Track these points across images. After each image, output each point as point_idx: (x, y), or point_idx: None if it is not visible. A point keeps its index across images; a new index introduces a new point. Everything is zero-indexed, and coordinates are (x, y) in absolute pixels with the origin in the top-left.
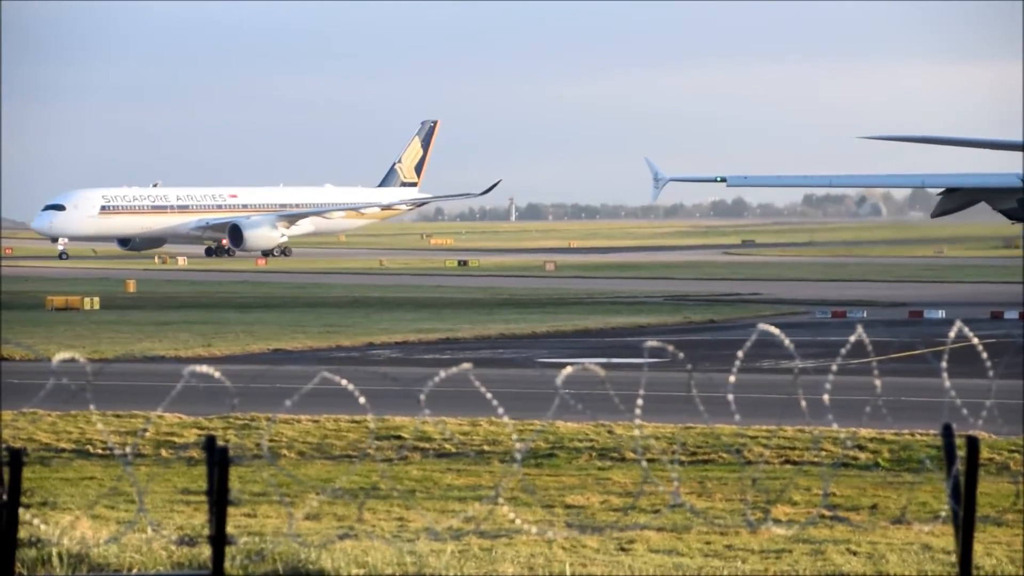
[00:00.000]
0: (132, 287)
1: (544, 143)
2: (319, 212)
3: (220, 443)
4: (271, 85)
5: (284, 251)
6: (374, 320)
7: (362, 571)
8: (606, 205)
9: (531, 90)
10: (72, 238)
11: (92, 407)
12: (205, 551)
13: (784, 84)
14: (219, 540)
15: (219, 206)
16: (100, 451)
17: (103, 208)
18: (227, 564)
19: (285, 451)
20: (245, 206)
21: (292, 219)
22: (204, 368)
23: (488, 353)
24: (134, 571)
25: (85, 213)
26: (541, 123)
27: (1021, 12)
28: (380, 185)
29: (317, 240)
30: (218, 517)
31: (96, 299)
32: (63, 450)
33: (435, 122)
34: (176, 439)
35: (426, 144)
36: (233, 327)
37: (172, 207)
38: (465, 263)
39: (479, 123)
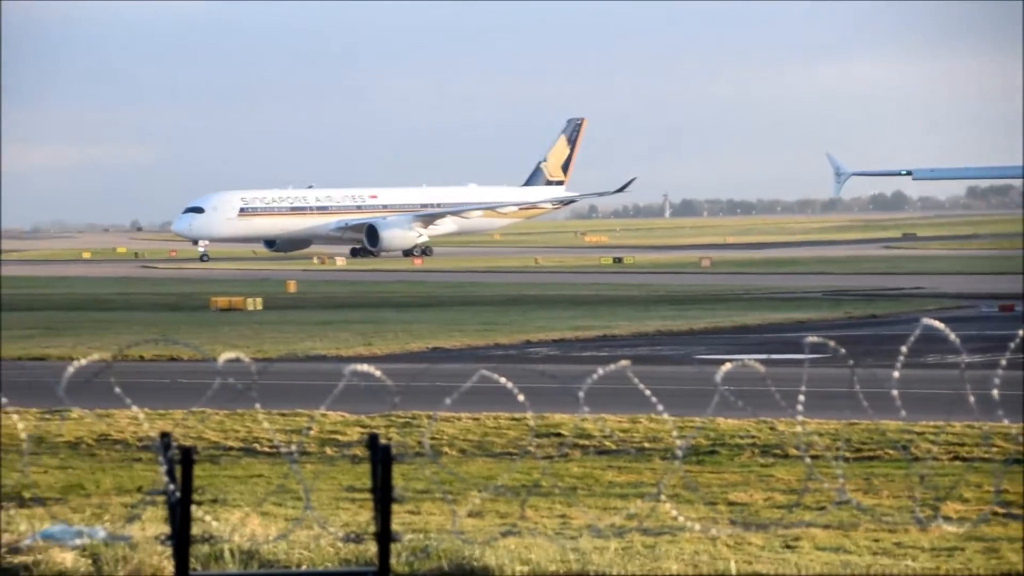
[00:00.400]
0: (292, 287)
1: (698, 139)
2: (456, 211)
3: (383, 441)
4: (420, 88)
5: (424, 251)
6: (531, 318)
7: (526, 568)
8: (762, 200)
9: (683, 87)
10: (211, 240)
11: (258, 406)
12: (371, 548)
13: (943, 77)
14: (385, 537)
15: (359, 207)
16: (267, 449)
17: (241, 210)
18: (393, 561)
19: (447, 449)
20: (385, 206)
21: (429, 219)
22: (365, 367)
23: (646, 350)
24: (303, 567)
25: (224, 216)
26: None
27: (1021, 12)
28: (525, 184)
29: (471, 239)
30: (383, 514)
31: (259, 300)
32: (231, 448)
33: (581, 120)
34: (340, 437)
35: (572, 142)
36: (392, 326)
37: (311, 208)
38: (620, 260)
39: (628, 120)
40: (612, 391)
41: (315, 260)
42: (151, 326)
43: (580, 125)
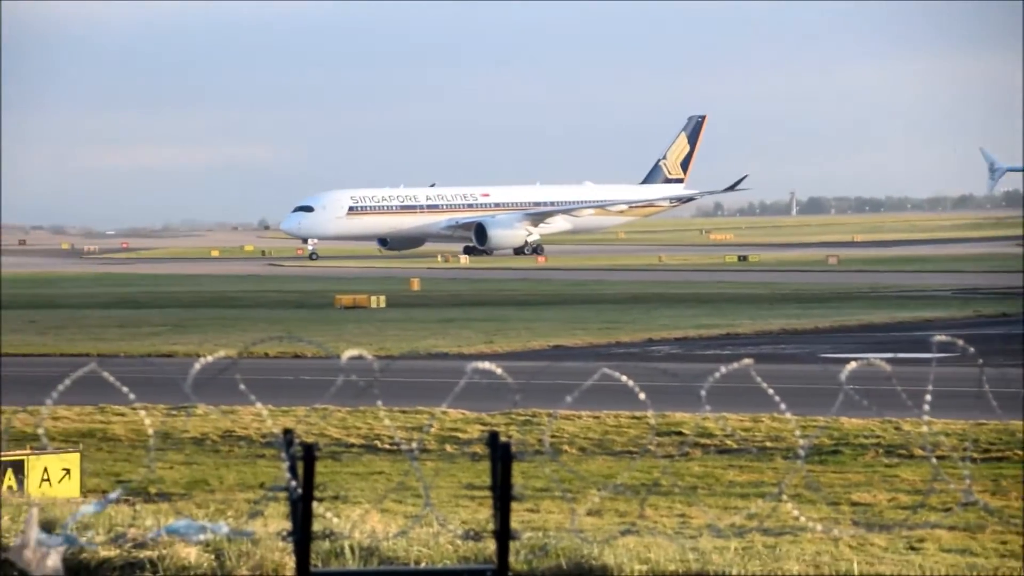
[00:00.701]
0: (416, 285)
1: (826, 136)
2: (566, 210)
3: (503, 439)
4: (540, 86)
5: (536, 249)
6: (654, 316)
7: (644, 567)
8: (891, 198)
9: (810, 82)
10: (320, 238)
11: (379, 403)
12: (490, 546)
13: None
14: (504, 535)
15: (470, 205)
16: (388, 446)
17: (351, 209)
18: (512, 559)
19: (566, 447)
20: (497, 204)
21: (538, 217)
22: (486, 364)
23: (769, 348)
24: (422, 564)
25: (333, 214)
26: (822, 115)
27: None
28: (643, 182)
29: (594, 237)
30: (502, 512)
31: (382, 298)
32: (353, 445)
33: (702, 117)
34: (460, 435)
35: (693, 139)
36: (514, 324)
37: (422, 207)
38: (745, 258)
39: (751, 117)
40: (734, 390)
41: (439, 258)
42: (276, 324)
43: (701, 122)
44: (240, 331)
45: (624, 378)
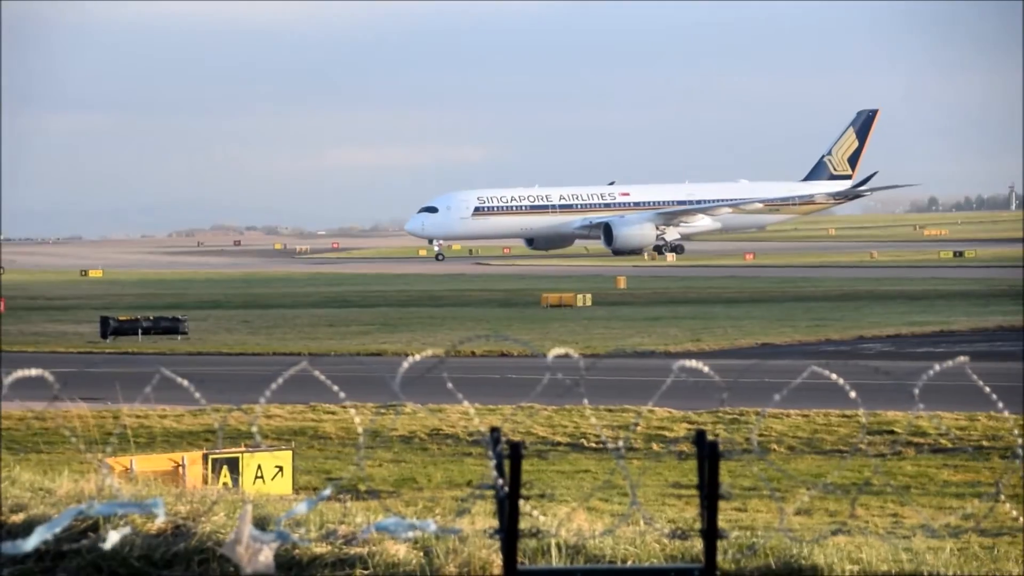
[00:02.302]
0: (622, 283)
1: None
2: (703, 208)
3: (710, 437)
4: (715, 83)
5: (675, 248)
6: (864, 313)
7: (855, 568)
8: None
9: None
10: (445, 239)
11: (585, 402)
12: (697, 544)
13: None
14: (711, 534)
15: (606, 204)
16: (594, 445)
17: (476, 210)
18: (719, 558)
19: (774, 446)
20: (636, 204)
21: (670, 216)
22: (693, 363)
23: (985, 346)
24: (628, 563)
25: (457, 215)
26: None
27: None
28: (806, 179)
29: (802, 234)
30: (709, 511)
31: (588, 296)
32: (559, 443)
33: (874, 111)
34: (666, 433)
35: (862, 135)
36: (721, 322)
37: (554, 207)
38: (961, 254)
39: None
40: (949, 388)
41: (645, 256)
42: (483, 322)
43: (873, 117)
44: (447, 329)
45: (834, 376)
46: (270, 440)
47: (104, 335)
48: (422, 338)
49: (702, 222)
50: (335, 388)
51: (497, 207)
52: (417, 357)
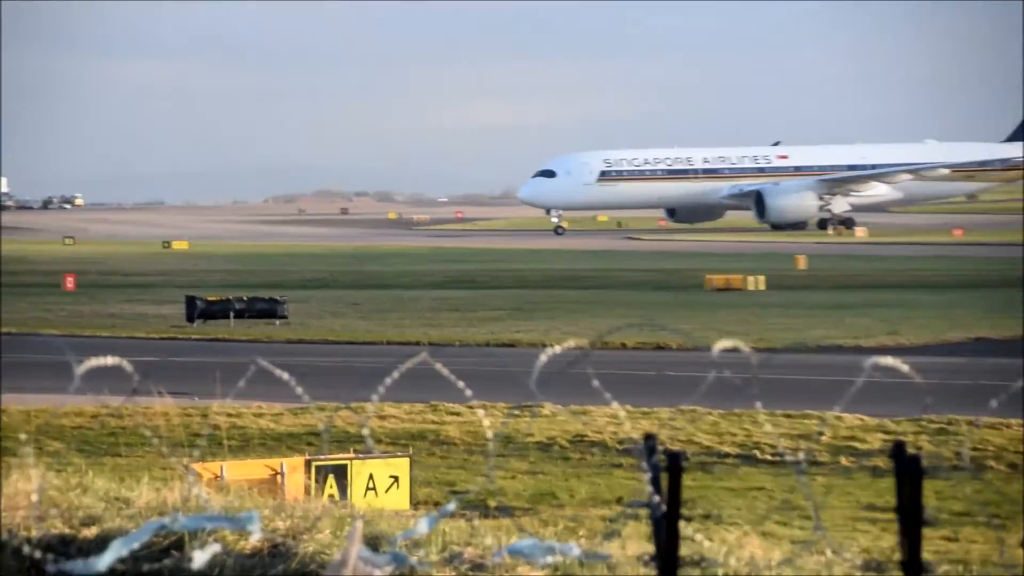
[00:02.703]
0: (802, 263)
1: None
2: (876, 175)
3: (910, 451)
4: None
5: (843, 222)
6: None
7: None
8: None
9: None
10: (564, 209)
11: (759, 405)
12: None
13: None
14: (913, 567)
15: (759, 169)
16: (769, 457)
17: (602, 174)
18: None
19: (991, 462)
20: (797, 168)
21: (834, 184)
22: (889, 360)
23: None
24: None
25: (579, 180)
26: None
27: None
28: (1009, 139)
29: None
30: (910, 539)
31: (761, 278)
32: (727, 455)
33: None
34: (857, 444)
35: None
36: (925, 311)
37: (696, 172)
38: None
39: None
40: None
41: (830, 231)
42: (635, 308)
43: None
44: (592, 316)
45: None
46: (384, 445)
47: (191, 318)
48: (563, 326)
49: (877, 191)
50: (460, 384)
51: (627, 172)
52: (557, 349)
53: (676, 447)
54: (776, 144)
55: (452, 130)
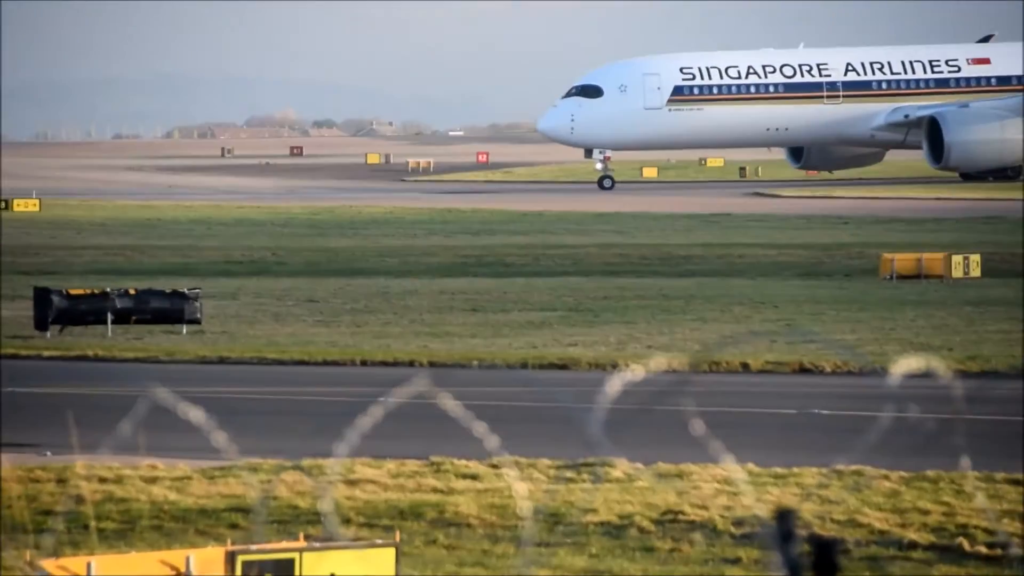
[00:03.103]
0: None
1: None
2: None
3: None
4: None
5: None
6: None
7: None
8: None
9: None
10: (615, 148)
11: (965, 462)
12: None
13: None
14: None
15: (940, 82)
16: (983, 549)
17: (676, 91)
18: None
19: None
20: (1003, 80)
21: None
22: None
23: None
24: None
25: (639, 103)
26: None
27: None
28: None
29: None
30: None
31: (974, 258)
32: (913, 544)
33: None
34: None
35: None
36: None
37: (834, 86)
38: None
39: None
40: None
41: None
42: (763, 307)
43: None
44: (693, 320)
45: None
46: (355, 528)
47: (42, 324)
48: (646, 336)
49: None
50: (479, 428)
51: (718, 87)
52: (637, 372)
53: (829, 531)
54: (987, 39)
55: (470, 33)
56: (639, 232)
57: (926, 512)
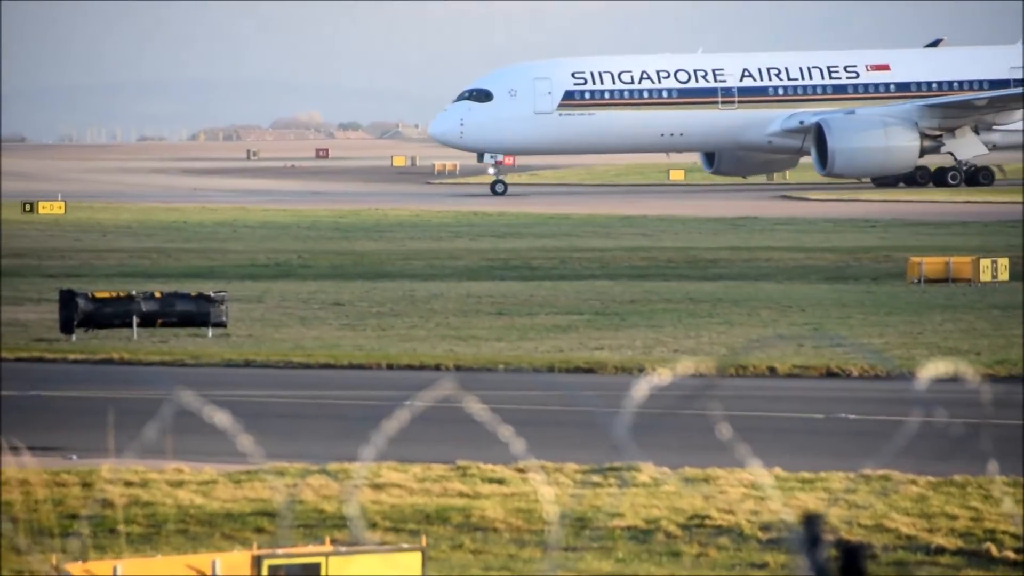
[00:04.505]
0: None
1: None
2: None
3: None
4: None
5: (974, 174)
6: None
7: None
8: None
9: None
10: (506, 152)
11: (993, 467)
12: None
13: None
14: None
15: (838, 88)
16: (1011, 555)
17: (567, 96)
18: None
19: None
20: (901, 87)
21: (960, 113)
22: None
23: None
24: None
25: (530, 107)
26: None
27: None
28: None
29: None
30: None
31: (1002, 261)
32: (939, 549)
33: None
34: None
35: None
36: None
37: (730, 92)
38: None
39: None
40: None
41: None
42: (792, 311)
43: None
44: (720, 323)
45: None
46: (381, 532)
47: (68, 327)
48: (672, 340)
49: None
50: (505, 432)
51: (610, 92)
52: (664, 377)
53: (856, 536)
54: (936, 43)
55: (497, 35)
56: (665, 235)
57: (954, 517)
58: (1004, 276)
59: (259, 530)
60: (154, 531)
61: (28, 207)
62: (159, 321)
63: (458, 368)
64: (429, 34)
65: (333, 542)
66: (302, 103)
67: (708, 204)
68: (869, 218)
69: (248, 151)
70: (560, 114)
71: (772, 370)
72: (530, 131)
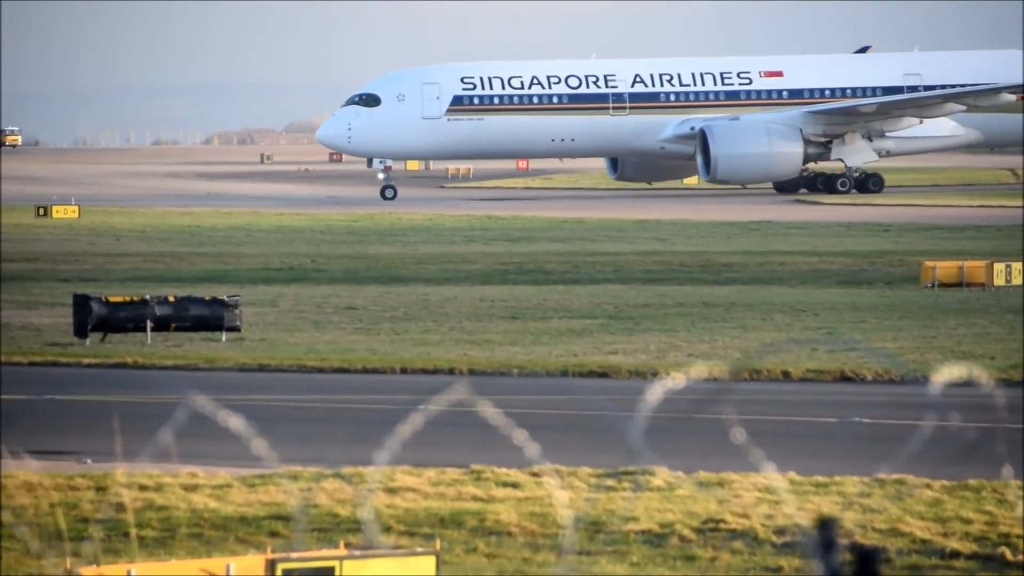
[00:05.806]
0: None
1: None
2: (932, 101)
3: None
4: None
5: (863, 181)
6: None
7: None
8: None
9: None
10: (394, 157)
11: (1007, 471)
12: None
13: None
14: None
15: (731, 95)
16: None
17: (456, 101)
18: None
19: None
20: (794, 94)
21: (846, 120)
22: None
23: None
24: None
25: (417, 112)
26: None
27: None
28: None
29: None
30: None
31: (1017, 266)
32: (954, 553)
33: None
34: None
35: None
36: None
37: (621, 97)
38: None
39: None
40: None
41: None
42: (805, 315)
43: None
44: (734, 328)
45: None
46: (396, 536)
47: (82, 331)
48: (686, 344)
49: (932, 126)
50: (519, 436)
51: (499, 97)
52: (678, 381)
53: (872, 540)
54: (864, 50)
55: (510, 38)
56: (679, 239)
57: (968, 521)
58: (1018, 280)
59: (273, 534)
60: (168, 535)
61: (42, 211)
62: (173, 325)
63: (472, 372)
64: (443, 38)
65: (347, 546)
66: (316, 107)
67: (722, 208)
68: (883, 222)
69: (262, 155)
70: (449, 119)
71: (786, 374)
72: (417, 136)
